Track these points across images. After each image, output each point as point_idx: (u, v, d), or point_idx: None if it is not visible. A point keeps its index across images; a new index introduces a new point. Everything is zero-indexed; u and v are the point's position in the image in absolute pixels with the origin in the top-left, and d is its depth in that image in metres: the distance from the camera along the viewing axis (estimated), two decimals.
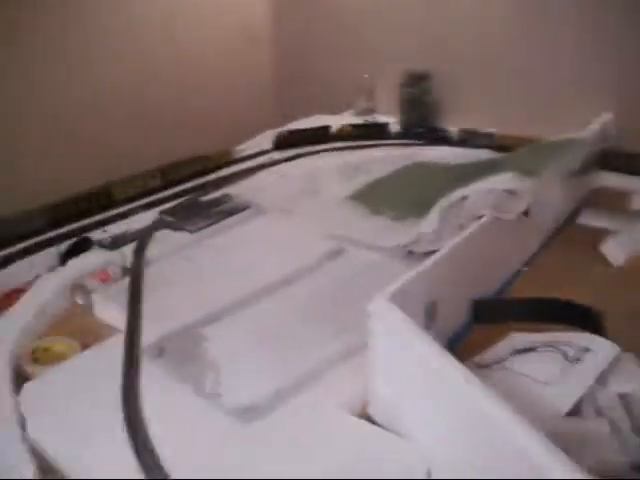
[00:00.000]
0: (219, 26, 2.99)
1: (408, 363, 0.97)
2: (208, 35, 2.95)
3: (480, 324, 1.37)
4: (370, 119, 2.74)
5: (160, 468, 0.93)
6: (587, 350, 1.07)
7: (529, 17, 2.43)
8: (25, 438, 1.02)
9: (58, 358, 1.25)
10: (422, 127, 2.56)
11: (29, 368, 1.22)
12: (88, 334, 1.33)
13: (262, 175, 2.11)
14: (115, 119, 2.64)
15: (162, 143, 2.66)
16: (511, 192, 1.49)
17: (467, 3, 2.56)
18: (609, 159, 2.14)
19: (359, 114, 2.80)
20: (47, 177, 2.38)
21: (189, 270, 1.52)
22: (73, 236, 1.68)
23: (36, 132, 2.41)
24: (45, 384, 1.15)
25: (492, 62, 2.55)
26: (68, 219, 1.76)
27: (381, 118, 2.74)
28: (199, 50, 2.92)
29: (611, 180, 2.12)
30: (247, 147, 2.35)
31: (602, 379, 1.05)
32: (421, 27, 2.70)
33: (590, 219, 1.86)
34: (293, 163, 2.22)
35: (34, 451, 1.00)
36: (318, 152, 2.33)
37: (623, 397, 1.05)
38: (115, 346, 1.23)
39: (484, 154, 2.30)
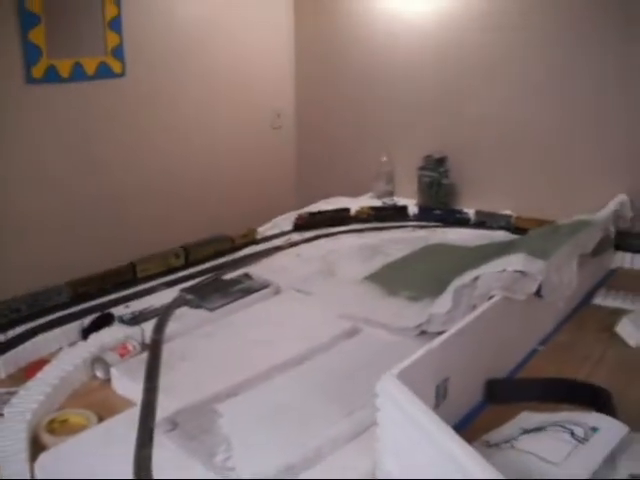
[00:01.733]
0: (246, 112, 3.12)
1: (415, 442, 0.98)
2: (235, 121, 3.08)
3: (494, 403, 1.37)
4: (389, 201, 2.80)
5: None
6: (595, 430, 1.07)
7: (544, 103, 2.51)
8: None
9: (75, 429, 1.28)
10: (440, 209, 2.61)
11: (45, 438, 1.25)
12: (106, 407, 1.36)
13: (281, 256, 2.17)
14: (140, 199, 2.75)
15: (185, 223, 2.75)
16: (523, 273, 1.52)
17: (483, 91, 2.66)
18: (624, 240, 2.17)
19: (378, 196, 2.87)
20: (73, 254, 2.47)
21: (207, 346, 1.55)
22: (96, 311, 1.72)
23: (62, 211, 2.51)
24: (60, 454, 1.17)
25: (508, 146, 2.62)
26: (92, 295, 1.81)
27: (400, 201, 2.81)
28: (225, 135, 3.04)
29: (626, 260, 2.14)
30: (268, 228, 2.42)
31: (611, 459, 1.05)
32: (438, 113, 2.79)
33: (606, 299, 1.88)
34: (312, 244, 2.27)
35: None
36: (337, 234, 2.38)
37: (634, 478, 1.05)
38: (130, 419, 1.25)
39: (501, 236, 2.34)
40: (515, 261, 1.55)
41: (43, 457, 1.15)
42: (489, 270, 1.55)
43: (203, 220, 2.79)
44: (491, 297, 1.44)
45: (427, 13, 2.73)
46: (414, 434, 0.97)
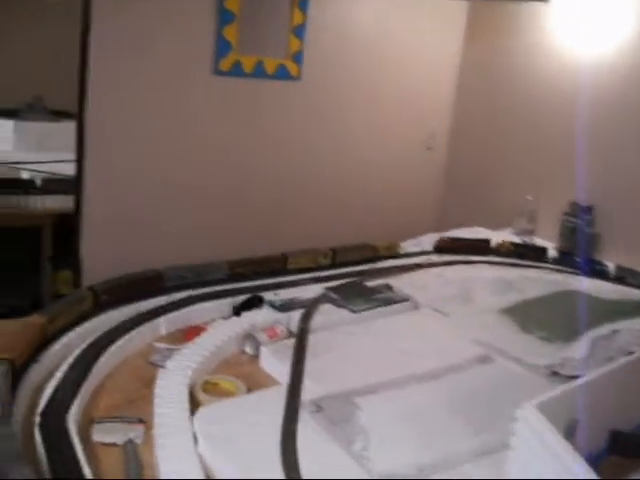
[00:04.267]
0: (403, 128, 3.24)
1: (547, 470, 1.05)
2: (392, 135, 3.20)
3: (614, 455, 1.41)
4: (528, 240, 2.83)
5: None
6: None
7: None
8: (196, 452, 1.19)
9: (224, 393, 1.44)
10: (580, 257, 2.62)
11: (200, 396, 1.40)
12: (252, 380, 1.51)
13: (421, 273, 2.26)
14: (302, 200, 2.94)
15: (335, 227, 2.90)
16: None
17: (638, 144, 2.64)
18: None
19: (518, 234, 2.90)
20: (234, 235, 2.67)
21: (349, 344, 1.67)
22: (248, 292, 1.88)
23: (231, 196, 2.73)
24: (216, 411, 1.32)
25: None
26: (246, 276, 1.98)
27: (539, 241, 2.83)
28: (381, 147, 3.17)
29: None
30: (410, 245, 2.52)
31: None
32: (591, 161, 2.77)
33: None
34: (452, 268, 2.35)
35: (202, 463, 1.17)
36: (476, 262, 2.45)
37: None
38: (277, 395, 1.39)
39: (638, 294, 2.33)
40: None
41: (203, 411, 1.31)
42: (631, 327, 1.59)
43: (348, 226, 2.93)
44: (630, 353, 1.47)
45: (593, 63, 2.74)
46: (548, 462, 1.04)
